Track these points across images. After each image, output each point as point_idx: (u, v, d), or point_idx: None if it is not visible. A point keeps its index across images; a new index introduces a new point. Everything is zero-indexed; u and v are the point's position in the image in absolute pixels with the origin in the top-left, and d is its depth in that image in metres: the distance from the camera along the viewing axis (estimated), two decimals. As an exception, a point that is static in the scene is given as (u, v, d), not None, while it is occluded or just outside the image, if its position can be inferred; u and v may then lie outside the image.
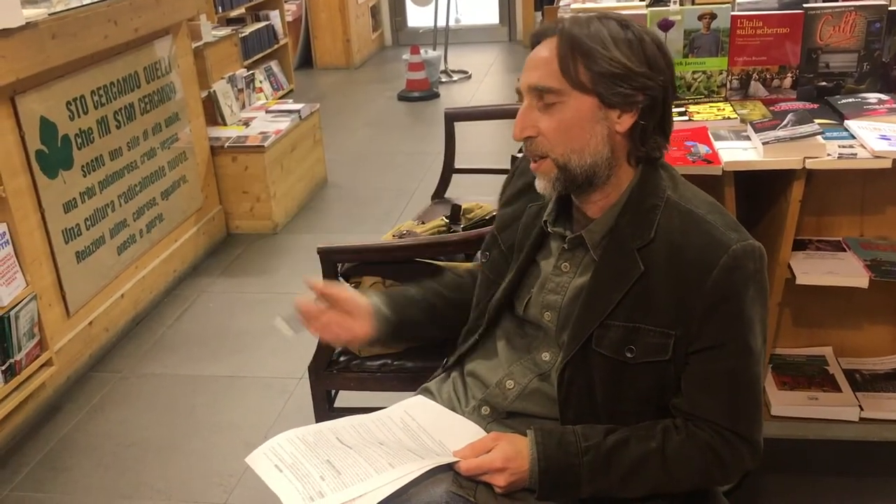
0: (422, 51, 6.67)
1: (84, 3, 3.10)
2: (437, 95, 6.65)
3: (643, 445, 1.34)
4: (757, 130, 1.98)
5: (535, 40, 1.37)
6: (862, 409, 2.11)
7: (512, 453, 1.35)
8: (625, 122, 1.33)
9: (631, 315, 1.34)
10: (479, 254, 1.67)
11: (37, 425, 2.81)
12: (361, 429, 1.42)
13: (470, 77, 7.24)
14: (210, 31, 4.42)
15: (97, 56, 3.17)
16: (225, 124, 4.35)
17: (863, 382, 2.21)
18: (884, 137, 1.92)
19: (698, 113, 2.20)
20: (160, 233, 3.65)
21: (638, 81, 1.30)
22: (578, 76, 1.31)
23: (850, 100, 2.16)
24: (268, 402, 2.88)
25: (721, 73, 2.28)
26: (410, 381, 2.08)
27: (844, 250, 2.13)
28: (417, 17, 8.64)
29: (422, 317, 1.63)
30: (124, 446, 2.70)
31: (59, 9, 2.95)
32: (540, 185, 1.41)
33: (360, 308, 1.55)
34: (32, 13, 2.77)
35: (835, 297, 2.22)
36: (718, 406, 1.34)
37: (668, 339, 1.33)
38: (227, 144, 4.13)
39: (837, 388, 2.19)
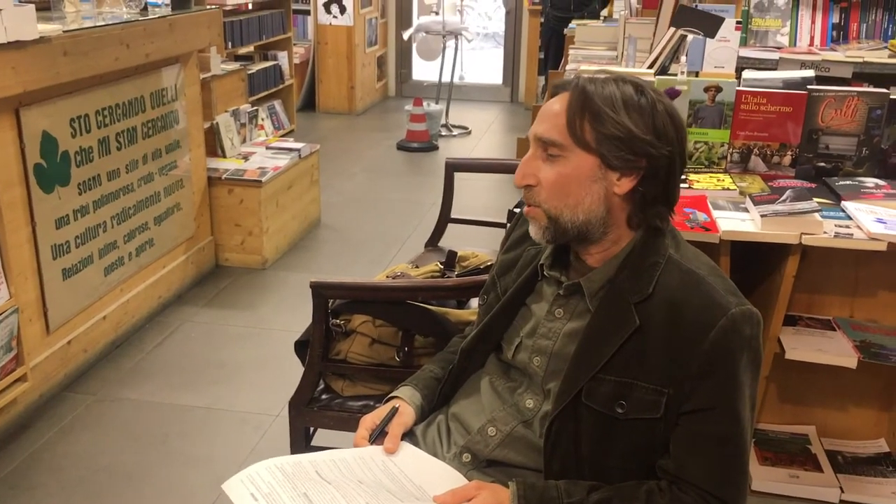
0: (424, 103, 6.75)
1: (98, 24, 3.13)
2: (435, 148, 6.71)
3: None
4: (756, 203, 2.00)
5: (555, 91, 1.39)
6: (843, 491, 2.10)
7: (487, 491, 1.33)
8: (623, 185, 1.34)
9: (624, 370, 1.33)
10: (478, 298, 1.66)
11: (4, 441, 2.75)
12: (342, 464, 1.40)
13: (470, 133, 7.32)
14: (219, 65, 4.47)
15: (106, 77, 3.19)
16: (224, 156, 4.37)
17: (844, 465, 2.19)
18: (880, 221, 1.95)
19: (698, 182, 2.22)
20: (149, 258, 3.63)
21: (641, 149, 1.31)
22: (583, 134, 1.32)
23: (848, 182, 2.19)
24: (242, 437, 2.83)
25: (723, 146, 2.32)
26: (391, 425, 2.05)
27: (834, 329, 2.14)
28: (423, 71, 8.76)
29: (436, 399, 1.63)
30: (92, 470, 2.64)
31: (73, 27, 2.98)
32: (532, 231, 1.42)
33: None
34: (47, 28, 2.79)
35: (821, 375, 2.23)
36: (705, 470, 1.32)
37: (660, 397, 1.32)
38: (224, 176, 4.14)
39: (819, 469, 2.17)
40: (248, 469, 1.35)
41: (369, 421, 1.54)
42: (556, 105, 1.36)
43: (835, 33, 3.68)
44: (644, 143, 1.31)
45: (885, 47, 3.51)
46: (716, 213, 2.02)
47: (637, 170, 1.32)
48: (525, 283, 1.50)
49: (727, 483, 1.33)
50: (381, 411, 1.56)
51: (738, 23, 2.73)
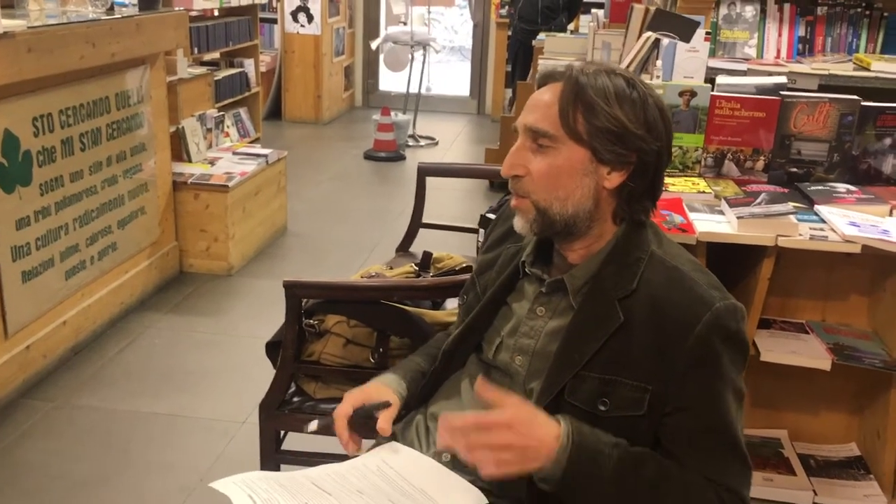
0: (392, 113, 6.73)
1: (63, 21, 3.07)
2: (402, 158, 6.69)
3: (663, 463, 1.28)
4: (731, 205, 2.01)
5: (542, 82, 1.37)
6: (816, 494, 2.10)
7: (525, 417, 1.22)
8: (613, 179, 1.33)
9: (607, 367, 1.31)
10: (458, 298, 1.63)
11: (-42, 448, 2.65)
12: (337, 476, 1.35)
13: (437, 144, 7.32)
14: (186, 68, 4.40)
15: (70, 76, 3.12)
16: (190, 161, 4.30)
17: (817, 468, 2.20)
18: (853, 224, 1.96)
19: (673, 185, 2.22)
20: (111, 262, 3.55)
21: (633, 143, 1.30)
22: (576, 126, 1.30)
23: (820, 187, 2.21)
24: (207, 445, 2.76)
25: (697, 150, 2.32)
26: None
27: (807, 332, 2.15)
28: (390, 82, 8.75)
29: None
30: (50, 478, 2.55)
31: (38, 23, 2.91)
32: (518, 223, 1.39)
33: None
34: (10, 24, 2.72)
35: (793, 379, 2.23)
36: (712, 464, 1.29)
37: (644, 394, 1.30)
38: (190, 181, 4.07)
39: (792, 472, 2.17)
40: (238, 475, 1.29)
41: (358, 399, 1.48)
42: (547, 95, 1.34)
43: (801, 46, 3.74)
44: (636, 137, 1.30)
45: (850, 60, 3.57)
46: (692, 216, 2.02)
47: (628, 164, 1.31)
48: (506, 282, 1.48)
49: (729, 471, 1.30)
50: (370, 393, 1.50)
51: (707, 34, 2.75)
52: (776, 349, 2.04)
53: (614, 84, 1.31)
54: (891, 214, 2.08)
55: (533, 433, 1.22)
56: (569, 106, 1.30)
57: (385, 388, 1.52)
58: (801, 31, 3.72)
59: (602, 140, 1.30)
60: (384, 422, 1.45)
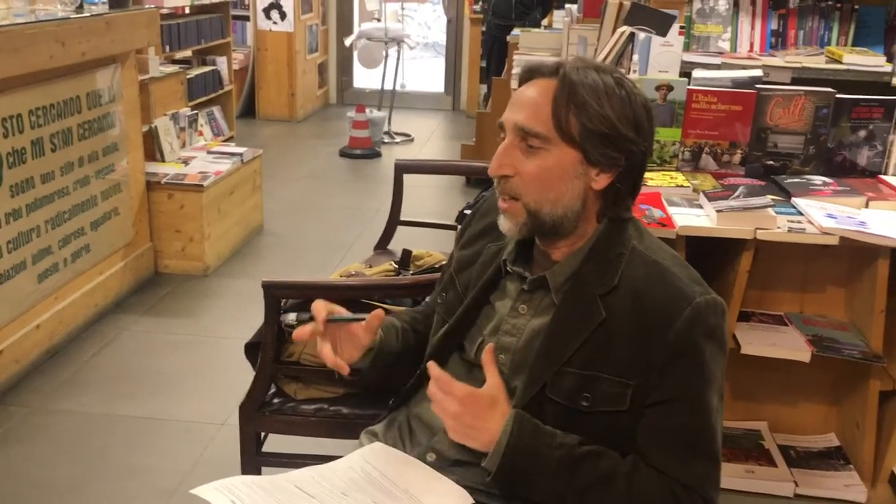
0: (367, 110, 6.70)
1: (32, 20, 3.01)
2: (378, 155, 6.66)
3: (614, 465, 1.29)
4: (710, 199, 2.01)
5: (528, 76, 1.35)
6: (797, 485, 2.11)
7: (480, 400, 1.28)
8: (602, 181, 1.32)
9: (589, 363, 1.31)
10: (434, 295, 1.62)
11: (-70, 457, 2.60)
12: (320, 479, 1.33)
13: (412, 140, 7.29)
14: (157, 67, 4.34)
15: (40, 75, 3.06)
16: (164, 160, 4.24)
17: (797, 459, 2.22)
18: (830, 216, 1.98)
19: (652, 179, 2.23)
20: (85, 264, 3.49)
21: (623, 146, 1.29)
22: (569, 128, 1.28)
23: (797, 180, 2.22)
24: (186, 447, 2.73)
25: (674, 144, 2.33)
26: (346, 429, 2.00)
27: (786, 325, 2.16)
28: (364, 79, 8.71)
29: (398, 347, 1.56)
30: (26, 485, 2.50)
31: (6, 22, 2.85)
32: (505, 225, 1.37)
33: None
34: (-23, 23, 2.67)
35: (772, 371, 2.25)
36: (675, 461, 1.30)
37: (625, 389, 1.29)
38: (164, 181, 4.01)
39: (773, 463, 2.19)
40: (221, 480, 1.27)
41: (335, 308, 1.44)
42: (533, 92, 1.31)
43: (773, 40, 3.76)
44: (626, 140, 1.29)
45: (822, 53, 3.60)
46: (671, 210, 2.03)
47: (616, 166, 1.31)
48: (489, 281, 1.47)
49: (697, 474, 1.30)
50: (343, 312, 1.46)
51: (681, 28, 2.76)
52: (756, 342, 2.06)
53: (604, 82, 1.29)
54: (867, 206, 2.10)
55: (479, 418, 1.28)
56: (562, 107, 1.28)
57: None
58: (774, 25, 3.75)
59: (593, 142, 1.28)
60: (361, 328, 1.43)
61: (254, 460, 2.05)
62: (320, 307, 1.42)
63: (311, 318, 1.42)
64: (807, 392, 2.32)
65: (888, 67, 3.32)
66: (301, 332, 1.41)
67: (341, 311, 1.44)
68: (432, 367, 1.32)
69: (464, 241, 1.58)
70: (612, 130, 1.28)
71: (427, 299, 1.75)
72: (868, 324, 2.07)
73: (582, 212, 1.34)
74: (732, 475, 2.13)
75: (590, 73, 1.30)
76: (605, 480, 1.28)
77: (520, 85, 1.36)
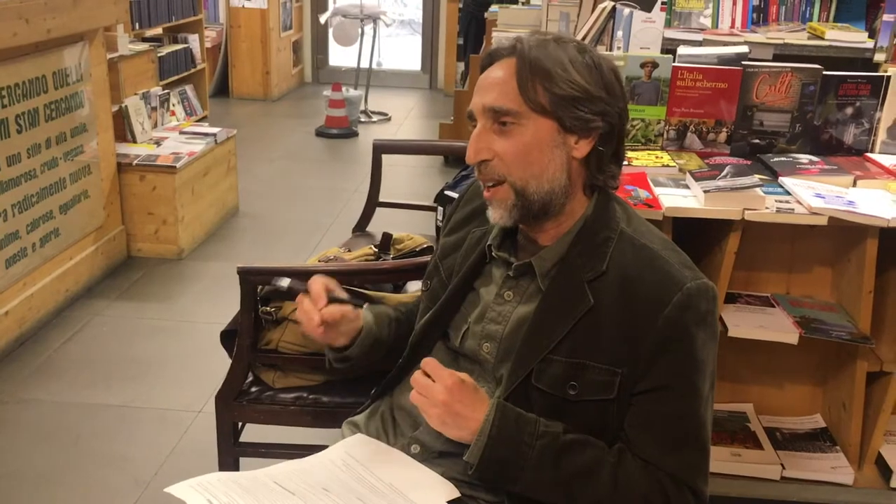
0: (343, 89, 6.60)
1: (-6, -4, 2.90)
2: (355, 134, 6.57)
3: (600, 456, 1.26)
4: (697, 179, 1.97)
5: (489, 61, 1.32)
6: (784, 468, 2.09)
7: (466, 388, 1.24)
8: (582, 147, 1.29)
9: (575, 350, 1.27)
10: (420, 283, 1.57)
11: None
12: (301, 474, 1.28)
13: (390, 119, 7.20)
14: (127, 45, 4.23)
15: (3, 54, 2.96)
16: (135, 141, 4.14)
17: (783, 441, 2.19)
18: (819, 196, 1.94)
19: (637, 159, 2.18)
20: (54, 249, 3.40)
21: (597, 106, 1.26)
22: (538, 98, 1.25)
23: (783, 159, 2.18)
24: (162, 436, 2.67)
25: (659, 123, 2.28)
26: (326, 418, 1.95)
27: (773, 306, 2.13)
28: (339, 57, 8.58)
29: (384, 333, 1.52)
30: (-4, 477, 2.44)
31: (-35, -2, 2.74)
32: (495, 214, 1.33)
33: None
34: (-65, -1, 2.56)
35: (757, 353, 2.22)
36: (663, 451, 1.27)
37: (613, 377, 1.26)
38: (135, 162, 3.92)
39: (759, 446, 2.17)
40: (196, 478, 1.21)
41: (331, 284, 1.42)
42: (500, 72, 1.28)
43: (755, 15, 3.73)
44: (599, 100, 1.26)
45: (804, 29, 3.57)
46: (657, 190, 1.98)
47: (594, 130, 1.27)
48: (473, 267, 1.42)
49: (686, 464, 1.27)
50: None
51: (663, 3, 2.71)
52: (743, 324, 2.02)
53: (566, 51, 1.27)
54: (854, 185, 2.07)
55: (466, 405, 1.24)
56: (527, 78, 1.25)
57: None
58: (756, 1, 3.71)
59: (566, 108, 1.25)
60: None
61: (231, 451, 2.00)
62: (318, 285, 1.40)
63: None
64: (792, 373, 2.29)
65: (870, 43, 3.29)
66: (310, 315, 1.39)
67: (341, 292, 1.42)
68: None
69: (450, 226, 1.54)
70: (582, 93, 1.25)
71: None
72: (856, 304, 2.04)
73: (568, 185, 1.30)
74: (719, 458, 2.10)
75: (549, 45, 1.27)
76: (591, 471, 1.25)
77: (482, 72, 1.32)
